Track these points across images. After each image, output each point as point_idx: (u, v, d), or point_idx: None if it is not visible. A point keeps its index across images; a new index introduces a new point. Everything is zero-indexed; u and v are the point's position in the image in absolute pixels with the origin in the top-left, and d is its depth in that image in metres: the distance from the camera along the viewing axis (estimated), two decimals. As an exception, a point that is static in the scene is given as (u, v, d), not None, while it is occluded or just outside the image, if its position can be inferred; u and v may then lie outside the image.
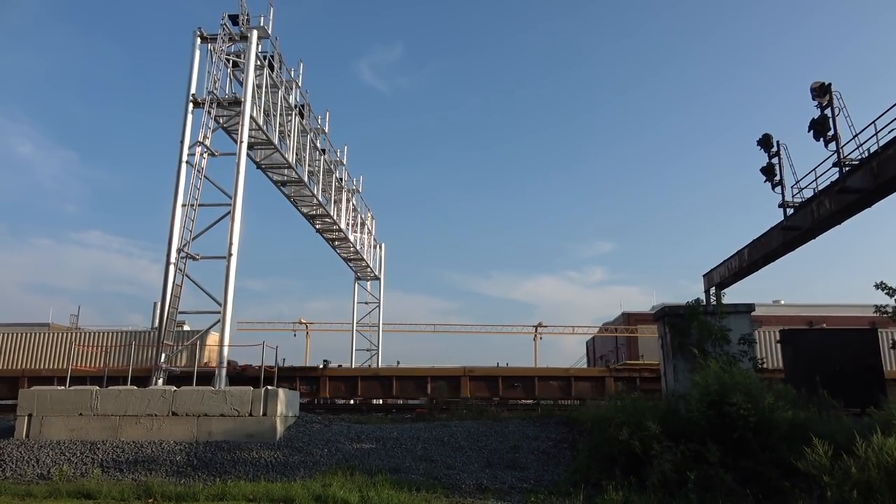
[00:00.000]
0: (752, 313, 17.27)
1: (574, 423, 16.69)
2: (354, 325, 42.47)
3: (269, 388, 16.50)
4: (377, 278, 43.65)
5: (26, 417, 16.38)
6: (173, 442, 15.77)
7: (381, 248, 43.98)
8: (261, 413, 16.18)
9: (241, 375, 20.43)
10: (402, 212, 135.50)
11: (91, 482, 13.19)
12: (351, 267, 41.28)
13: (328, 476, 13.41)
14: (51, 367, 26.97)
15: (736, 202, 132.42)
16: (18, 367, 27.64)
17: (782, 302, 58.39)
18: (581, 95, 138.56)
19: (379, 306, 43.55)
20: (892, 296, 14.77)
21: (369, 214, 41.13)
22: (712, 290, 36.75)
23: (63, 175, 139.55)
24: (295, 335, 59.82)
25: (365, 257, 39.85)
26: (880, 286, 15.29)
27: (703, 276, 37.74)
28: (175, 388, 16.67)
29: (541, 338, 58.22)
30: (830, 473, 10.33)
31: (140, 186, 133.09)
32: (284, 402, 16.73)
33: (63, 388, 16.96)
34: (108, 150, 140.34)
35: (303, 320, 58.76)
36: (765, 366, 17.31)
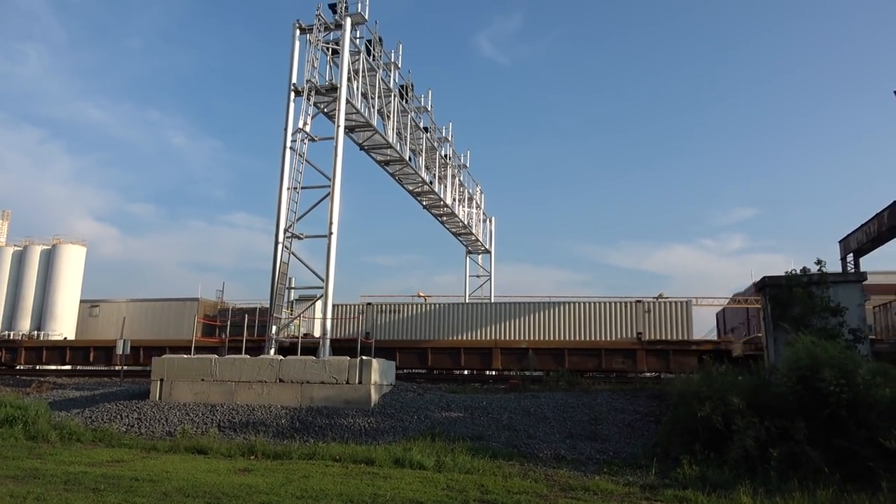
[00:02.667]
0: (865, 282, 15.91)
1: (664, 396, 16.33)
2: (466, 298, 43.28)
3: (364, 357, 17.52)
4: (488, 252, 44.14)
5: (159, 382, 18.54)
6: (280, 406, 17.23)
7: (490, 221, 44.34)
8: (357, 381, 17.24)
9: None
10: (527, 183, 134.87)
11: (204, 440, 14.79)
12: (461, 241, 42.01)
13: (412, 441, 14.13)
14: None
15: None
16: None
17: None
18: (710, 50, 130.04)
19: (490, 279, 44.10)
20: None
21: (478, 189, 41.56)
22: (849, 258, 33.93)
23: (211, 163, 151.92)
24: (414, 308, 61.72)
25: (474, 231, 40.39)
26: None
27: (840, 242, 34.86)
28: (282, 358, 18.15)
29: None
30: (925, 455, 9.58)
31: (277, 169, 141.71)
32: (379, 372, 17.70)
33: (188, 356, 18.97)
34: (249, 138, 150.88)
35: (421, 293, 60.52)
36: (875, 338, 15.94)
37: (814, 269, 16.20)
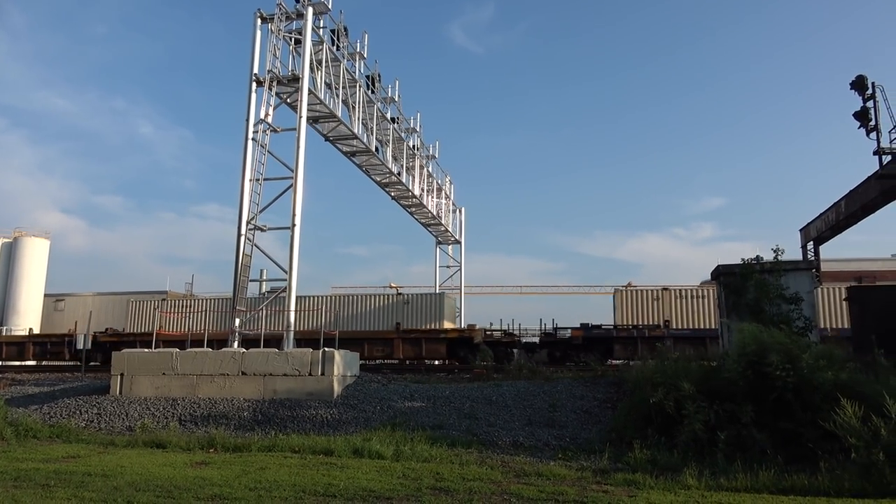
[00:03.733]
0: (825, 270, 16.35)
1: (623, 383, 16.64)
2: (437, 288, 43.42)
3: (327, 349, 17.54)
4: (458, 242, 44.32)
5: (119, 376, 18.36)
6: (243, 399, 17.19)
7: (460, 212, 44.50)
8: (320, 373, 17.27)
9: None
10: (500, 173, 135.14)
11: (164, 434, 14.71)
12: (431, 232, 42.11)
13: (373, 432, 14.23)
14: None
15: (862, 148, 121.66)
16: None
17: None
18: (681, 41, 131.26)
19: (461, 269, 44.31)
20: None
21: (447, 179, 41.66)
22: (809, 246, 34.72)
23: (181, 153, 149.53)
24: (386, 299, 61.79)
25: (443, 222, 40.51)
26: None
27: (800, 230, 35.59)
28: (244, 350, 18.09)
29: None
30: (858, 435, 9.93)
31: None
32: (342, 363, 17.75)
33: (149, 350, 18.80)
34: (220, 127, 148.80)
35: (393, 284, 60.54)
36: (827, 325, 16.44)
37: (771, 256, 16.62)
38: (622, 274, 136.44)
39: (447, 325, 30.67)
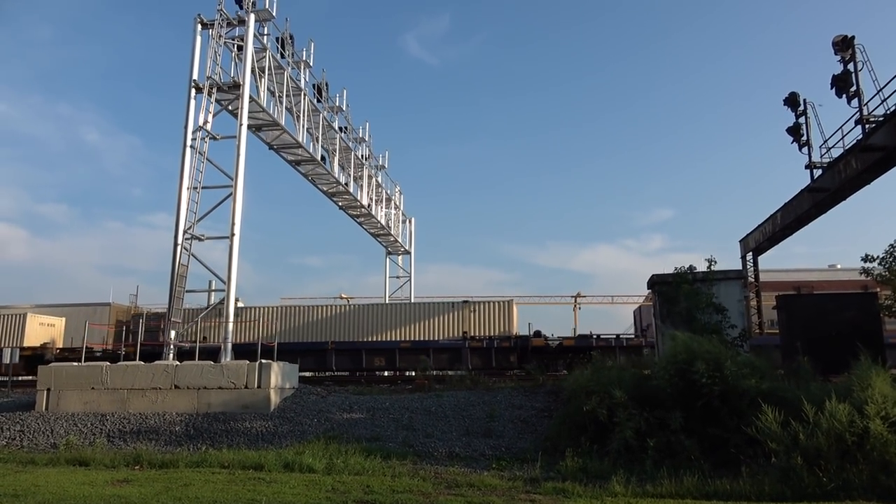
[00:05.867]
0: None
1: (561, 392, 16.74)
2: (387, 299, 43.18)
3: (264, 361, 17.19)
4: (408, 252, 44.18)
5: (45, 392, 17.60)
6: (175, 413, 16.68)
7: (410, 222, 44.40)
8: (255, 385, 16.89)
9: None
10: (455, 184, 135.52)
11: (88, 451, 14.14)
12: (380, 242, 41.90)
13: (307, 445, 13.95)
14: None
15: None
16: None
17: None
18: (627, 55, 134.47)
19: (410, 280, 44.16)
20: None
21: (397, 189, 41.54)
22: (749, 256, 35.81)
23: (129, 161, 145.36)
24: (336, 310, 61.12)
25: (393, 232, 40.35)
26: (866, 258, 15.01)
27: (740, 241, 36.73)
28: (178, 363, 17.58)
29: (580, 307, 57.79)
30: (778, 440, 10.18)
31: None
32: (280, 375, 17.41)
33: (77, 363, 18.10)
34: (169, 135, 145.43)
35: (343, 295, 59.96)
36: (759, 332, 16.91)
37: (704, 266, 17.02)
38: (575, 284, 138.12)
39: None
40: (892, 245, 14.72)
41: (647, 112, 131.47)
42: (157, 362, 18.00)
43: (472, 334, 25.93)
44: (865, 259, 14.58)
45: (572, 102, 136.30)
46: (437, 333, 27.25)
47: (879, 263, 14.48)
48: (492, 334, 26.52)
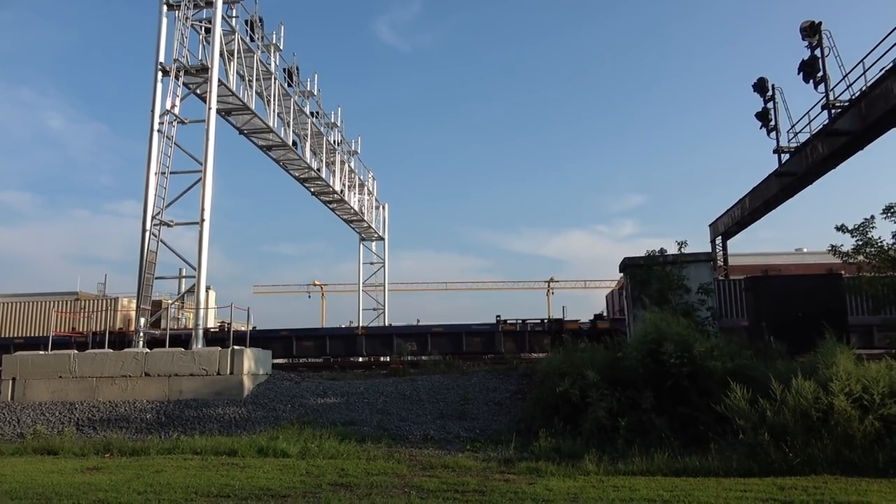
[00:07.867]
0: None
1: (534, 374, 16.88)
2: (360, 286, 43.02)
3: (236, 347, 17.03)
4: (382, 239, 43.97)
5: (11, 381, 17.23)
6: (146, 401, 16.47)
7: (384, 208, 44.15)
8: (228, 371, 16.74)
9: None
10: (429, 170, 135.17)
11: (57, 440, 13.92)
12: (353, 228, 41.61)
13: (281, 430, 13.89)
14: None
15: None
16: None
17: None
18: (601, 45, 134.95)
19: (384, 266, 44.02)
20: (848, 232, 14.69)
21: (370, 175, 41.24)
22: (718, 241, 36.39)
23: (95, 147, 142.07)
24: (309, 297, 60.96)
25: (366, 218, 40.12)
26: (840, 228, 15.18)
27: (709, 225, 37.29)
28: (147, 350, 17.33)
29: (553, 293, 58.30)
30: (746, 417, 10.41)
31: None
32: (252, 361, 17.27)
33: (44, 352, 17.74)
34: (137, 121, 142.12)
35: (316, 282, 59.73)
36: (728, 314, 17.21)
37: (676, 250, 17.23)
38: (548, 270, 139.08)
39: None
40: (866, 219, 14.95)
41: (620, 100, 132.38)
42: (126, 350, 17.72)
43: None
44: (839, 229, 14.74)
45: (545, 90, 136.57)
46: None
47: (852, 235, 14.69)
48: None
